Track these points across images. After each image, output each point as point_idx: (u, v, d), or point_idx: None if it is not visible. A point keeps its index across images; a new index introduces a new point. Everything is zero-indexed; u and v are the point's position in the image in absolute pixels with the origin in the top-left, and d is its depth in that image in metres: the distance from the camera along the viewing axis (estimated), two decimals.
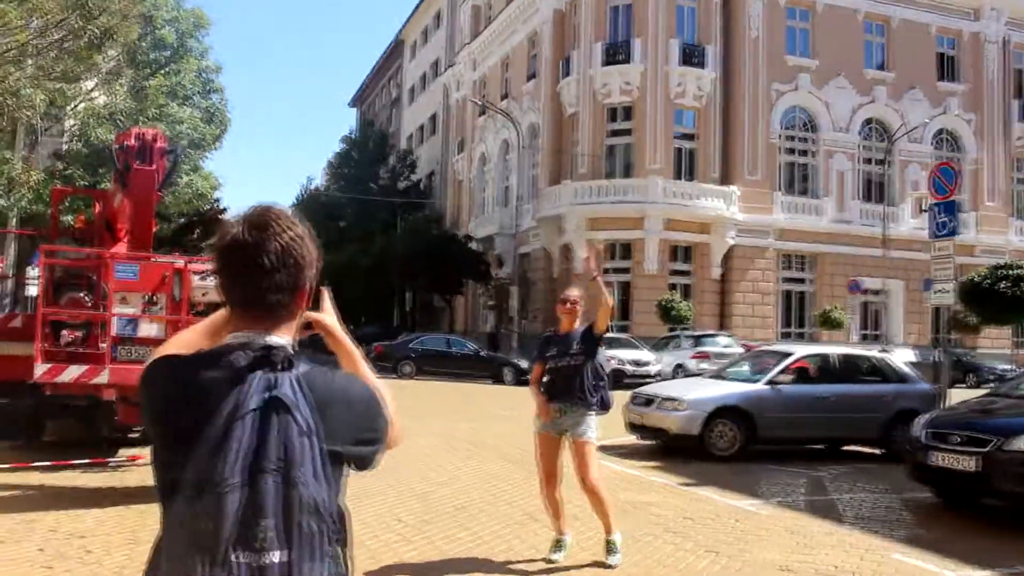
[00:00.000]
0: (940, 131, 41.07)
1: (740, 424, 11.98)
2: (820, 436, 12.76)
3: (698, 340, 28.95)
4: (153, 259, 9.10)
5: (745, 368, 13.85)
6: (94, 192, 16.99)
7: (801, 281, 38.66)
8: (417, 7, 60.59)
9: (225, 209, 30.06)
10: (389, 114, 68.14)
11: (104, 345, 8.63)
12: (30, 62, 17.14)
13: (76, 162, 23.56)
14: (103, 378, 8.20)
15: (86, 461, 9.23)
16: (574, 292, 6.57)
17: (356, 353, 1.96)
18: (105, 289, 8.95)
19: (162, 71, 24.04)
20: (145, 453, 9.02)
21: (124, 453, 10.36)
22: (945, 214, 14.54)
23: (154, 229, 12.01)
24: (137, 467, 9.50)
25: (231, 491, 1.50)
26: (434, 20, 58.85)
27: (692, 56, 36.74)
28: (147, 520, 6.95)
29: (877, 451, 12.94)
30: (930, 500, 9.48)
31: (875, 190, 39.81)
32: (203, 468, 1.52)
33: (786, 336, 37.15)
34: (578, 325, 6.53)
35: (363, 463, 1.74)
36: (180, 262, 8.94)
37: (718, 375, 14.03)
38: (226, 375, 1.61)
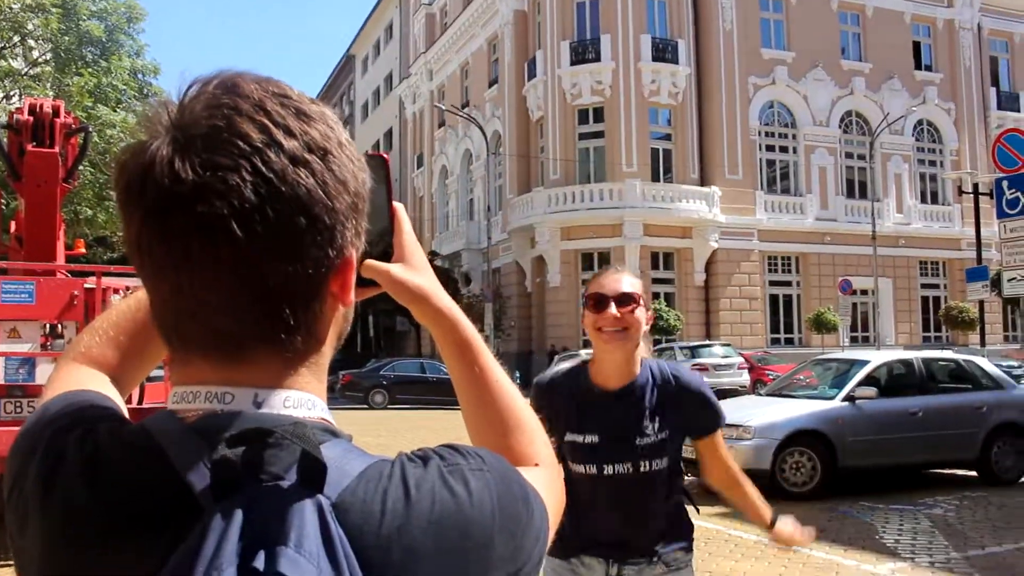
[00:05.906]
0: (920, 122, 39.44)
1: (818, 452, 9.68)
2: (910, 461, 10.38)
3: (694, 351, 26.73)
4: (58, 274, 6.59)
5: (808, 382, 11.55)
6: None
7: (788, 284, 36.71)
8: (367, 20, 58.20)
9: None
10: None
11: None
12: None
13: None
14: None
15: None
16: (627, 280, 2.52)
17: (475, 340, 0.93)
18: None
19: (88, 69, 21.20)
20: None
21: None
22: (1017, 188, 12.40)
23: (73, 245, 9.48)
24: None
25: None
26: (386, 32, 56.47)
27: (664, 51, 34.64)
28: None
29: (968, 473, 10.74)
30: None
31: (858, 186, 38.05)
32: None
33: (775, 342, 35.27)
34: (642, 363, 2.58)
35: None
36: (95, 277, 6.41)
37: (776, 392, 11.63)
38: (160, 507, 0.66)
